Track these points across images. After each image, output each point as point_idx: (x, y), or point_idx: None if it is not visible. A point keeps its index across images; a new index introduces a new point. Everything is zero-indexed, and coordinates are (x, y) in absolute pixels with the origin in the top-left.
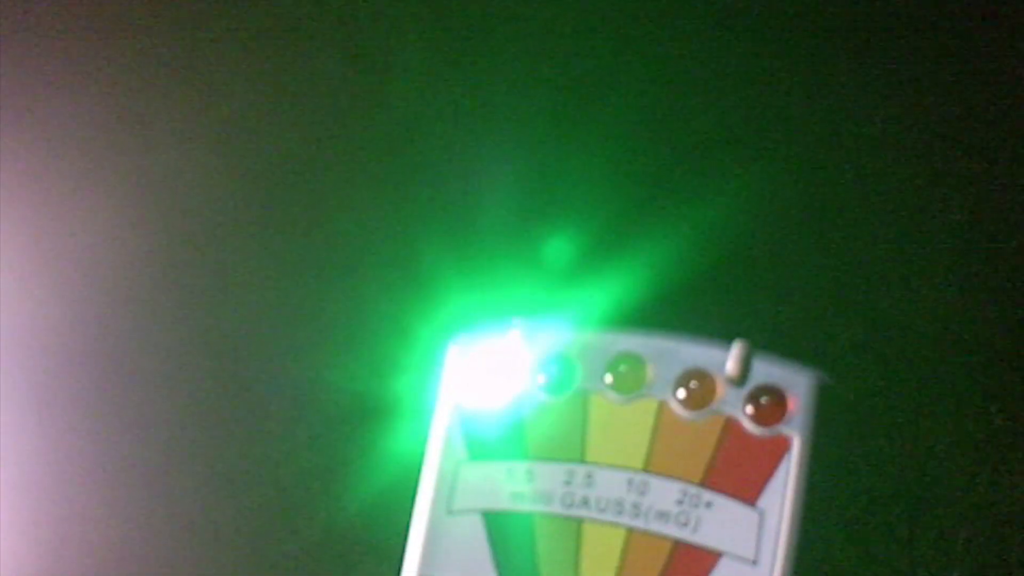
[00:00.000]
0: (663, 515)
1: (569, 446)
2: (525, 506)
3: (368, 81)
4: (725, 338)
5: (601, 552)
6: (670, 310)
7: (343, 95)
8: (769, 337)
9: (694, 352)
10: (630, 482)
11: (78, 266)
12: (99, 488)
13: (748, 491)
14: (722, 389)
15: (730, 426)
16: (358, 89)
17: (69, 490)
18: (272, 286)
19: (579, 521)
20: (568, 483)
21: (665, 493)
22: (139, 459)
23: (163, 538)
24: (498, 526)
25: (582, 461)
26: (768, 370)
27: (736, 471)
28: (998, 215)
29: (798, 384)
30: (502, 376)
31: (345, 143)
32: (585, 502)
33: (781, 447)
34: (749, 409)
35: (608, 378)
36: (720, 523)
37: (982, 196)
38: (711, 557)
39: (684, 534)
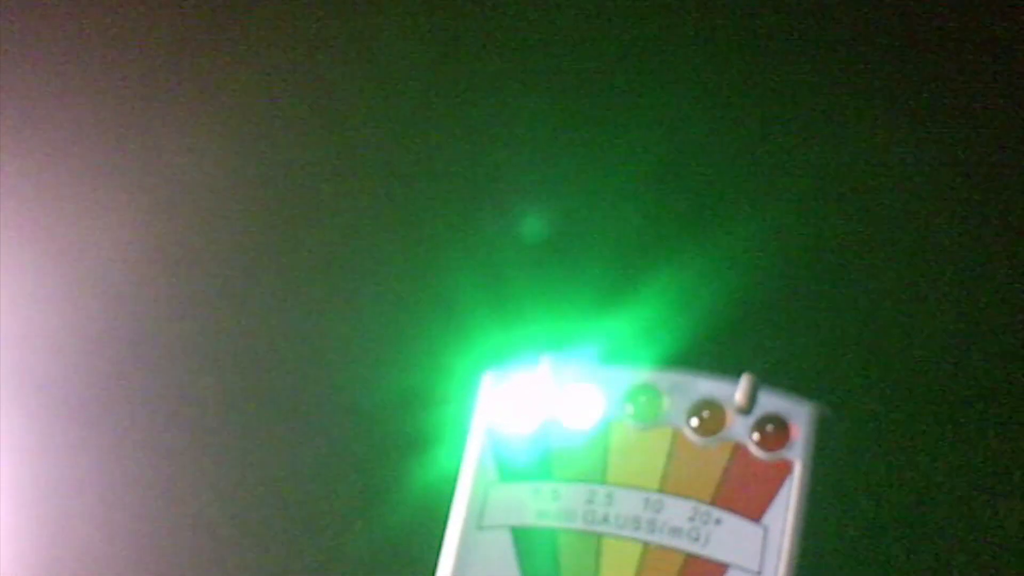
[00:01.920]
0: (676, 531)
1: (592, 469)
2: (550, 522)
3: (399, 111)
4: (734, 372)
5: (619, 564)
6: (684, 346)
7: (377, 121)
8: (774, 371)
9: (706, 385)
10: (647, 501)
11: (82, 268)
12: (102, 493)
13: (754, 509)
14: (731, 418)
15: (738, 451)
16: (392, 117)
17: (73, 494)
18: (304, 314)
19: (599, 536)
20: (590, 502)
21: (678, 511)
22: (145, 465)
23: (181, 550)
24: (525, 540)
25: (603, 482)
26: (773, 401)
27: (743, 491)
28: (994, 248)
29: (800, 414)
30: (531, 405)
31: (382, 178)
32: (605, 519)
33: (784, 470)
34: (755, 436)
35: (628, 408)
36: (728, 538)
37: (978, 229)
38: (719, 569)
39: (695, 548)
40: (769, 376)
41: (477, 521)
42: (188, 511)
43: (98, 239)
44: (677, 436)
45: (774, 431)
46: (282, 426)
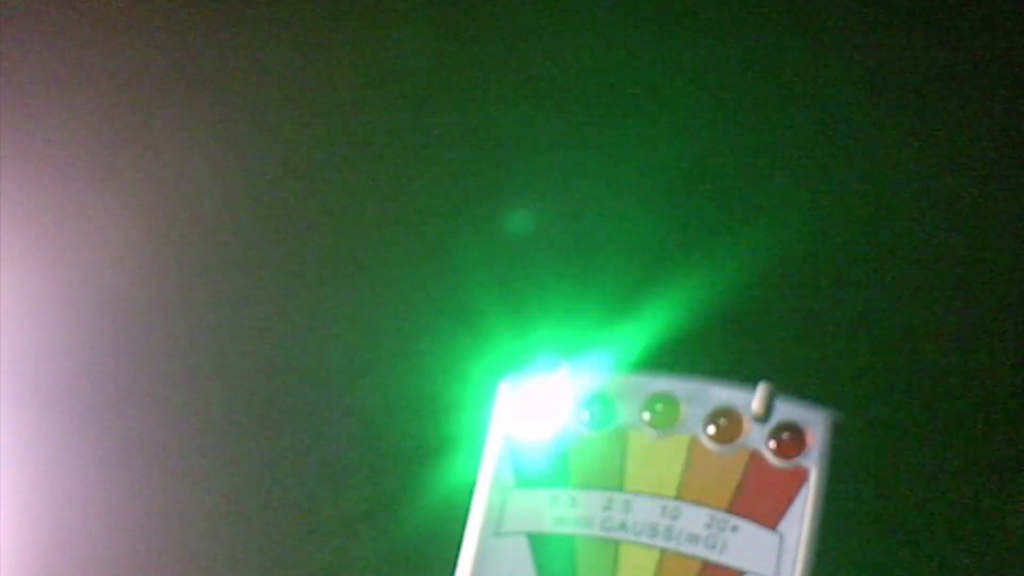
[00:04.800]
0: (693, 538)
1: (609, 476)
2: (567, 529)
3: (413, 111)
4: (750, 380)
5: (636, 571)
6: (699, 353)
7: (389, 121)
8: (790, 378)
9: (722, 392)
10: (664, 508)
11: (83, 268)
12: (104, 496)
13: (769, 517)
14: (748, 426)
15: (754, 459)
16: (405, 117)
17: (73, 496)
18: (316, 318)
19: (617, 543)
20: (607, 509)
21: (695, 518)
22: (148, 469)
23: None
24: (542, 547)
25: (621, 489)
26: (789, 409)
27: (759, 499)
28: (1000, 247)
29: (815, 421)
30: (549, 412)
31: (395, 181)
32: (623, 526)
33: (800, 478)
34: (771, 444)
35: (645, 415)
36: (744, 545)
37: (984, 228)
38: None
39: (711, 555)
40: (784, 384)
41: (495, 527)
42: (192, 515)
43: (99, 239)
44: (694, 444)
45: (790, 439)
46: (293, 432)
